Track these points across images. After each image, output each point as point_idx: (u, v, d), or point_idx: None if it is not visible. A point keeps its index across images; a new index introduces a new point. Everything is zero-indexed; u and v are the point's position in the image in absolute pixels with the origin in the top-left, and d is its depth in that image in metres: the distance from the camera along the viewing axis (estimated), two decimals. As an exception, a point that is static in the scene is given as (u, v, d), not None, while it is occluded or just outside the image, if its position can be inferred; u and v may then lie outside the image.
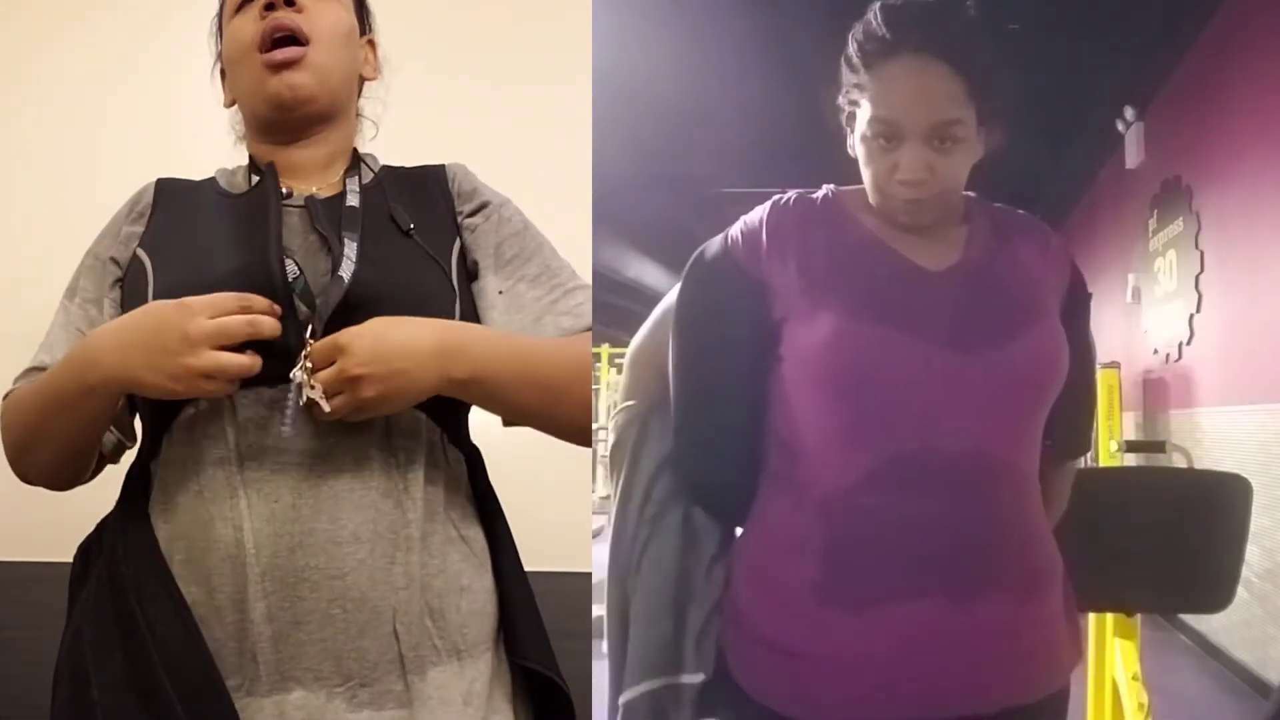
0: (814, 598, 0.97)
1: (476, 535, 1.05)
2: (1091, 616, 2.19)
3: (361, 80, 1.17)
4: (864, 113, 1.00)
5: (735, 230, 1.08)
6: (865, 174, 1.03)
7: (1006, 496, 0.99)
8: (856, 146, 1.03)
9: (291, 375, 0.92)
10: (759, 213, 1.08)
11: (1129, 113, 5.27)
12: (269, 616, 0.90)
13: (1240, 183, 3.91)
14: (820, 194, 1.08)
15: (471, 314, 1.07)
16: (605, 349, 7.39)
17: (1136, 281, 5.38)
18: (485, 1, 2.06)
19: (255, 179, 1.07)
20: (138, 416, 1.06)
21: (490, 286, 1.08)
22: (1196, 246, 4.35)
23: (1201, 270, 4.31)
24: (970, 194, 1.08)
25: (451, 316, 1.02)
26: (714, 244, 1.08)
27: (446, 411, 1.02)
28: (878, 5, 0.99)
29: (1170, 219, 4.76)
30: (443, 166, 1.17)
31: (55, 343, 1.04)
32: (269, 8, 1.04)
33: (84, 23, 2.06)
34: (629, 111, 4.72)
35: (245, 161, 1.11)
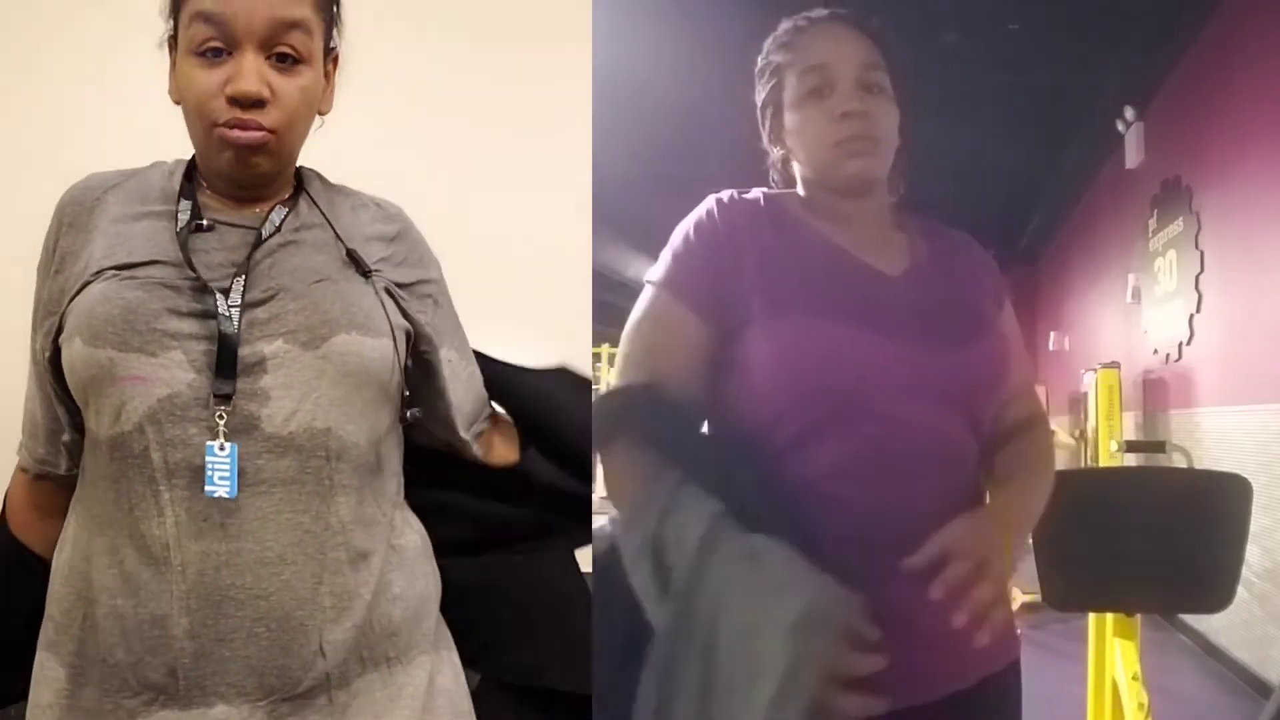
0: None
1: (411, 540, 1.07)
2: (1091, 616, 2.19)
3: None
4: (793, 77, 1.08)
5: (676, 248, 1.09)
6: (802, 142, 1.08)
7: (966, 475, 1.03)
8: (788, 121, 1.10)
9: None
10: (706, 216, 1.09)
11: (1129, 113, 5.27)
12: (192, 633, 0.92)
13: (1240, 183, 3.91)
14: (755, 195, 1.11)
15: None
16: (605, 349, 7.39)
17: (1136, 281, 5.38)
18: (485, 1, 2.06)
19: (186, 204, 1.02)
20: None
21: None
22: (1196, 246, 4.35)
23: (1201, 270, 4.31)
24: (895, 200, 1.14)
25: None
26: (657, 269, 1.09)
27: (386, 441, 1.06)
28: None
29: (1170, 219, 4.76)
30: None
31: (35, 422, 1.05)
32: (234, 102, 0.96)
33: (77, 23, 2.06)
34: (629, 111, 4.72)
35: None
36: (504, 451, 1.17)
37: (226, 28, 0.96)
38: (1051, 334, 7.70)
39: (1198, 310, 4.36)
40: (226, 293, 0.96)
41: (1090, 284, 6.94)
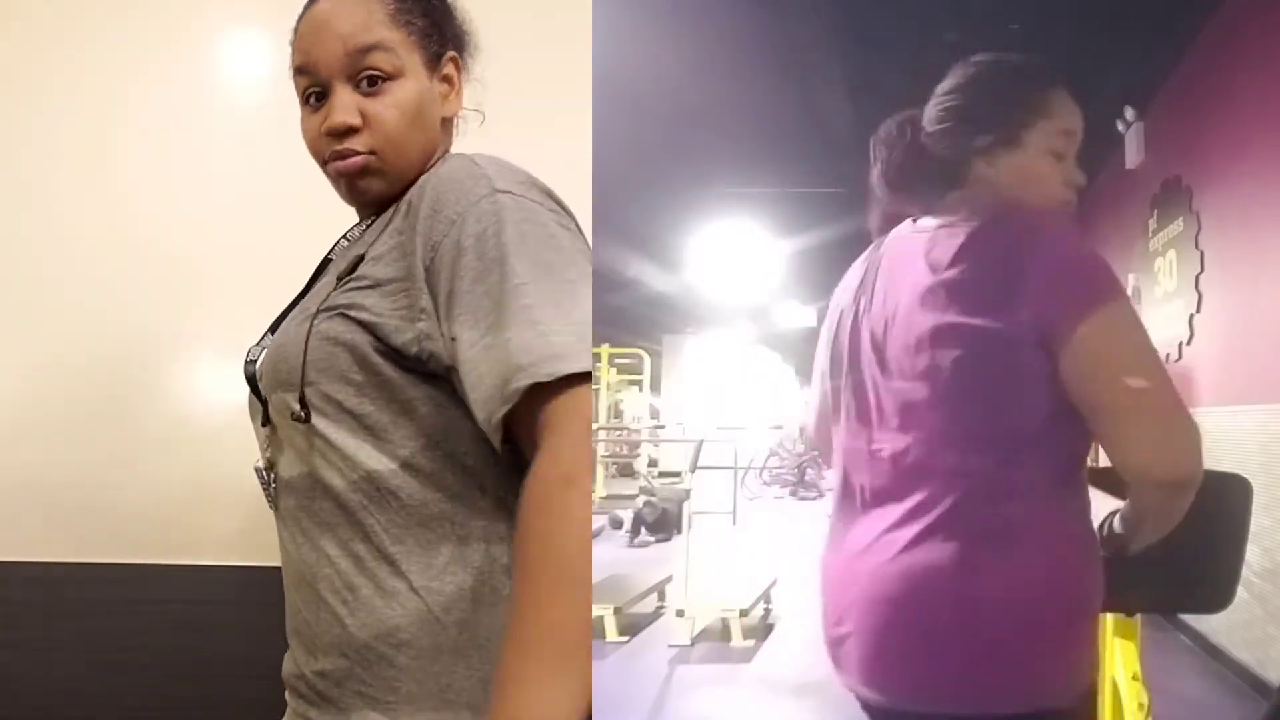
0: None
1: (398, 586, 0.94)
2: (1091, 616, 2.19)
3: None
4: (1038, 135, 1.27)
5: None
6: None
7: None
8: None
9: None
10: None
11: (1129, 113, 5.27)
12: None
13: (1240, 183, 3.91)
14: None
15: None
16: (605, 349, 7.39)
17: (1136, 281, 5.38)
18: (485, 1, 2.05)
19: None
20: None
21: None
22: (1196, 246, 4.35)
23: (1201, 270, 4.31)
24: None
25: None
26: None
27: (372, 491, 0.95)
28: None
29: (1170, 219, 4.76)
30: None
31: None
32: (331, 135, 1.01)
33: (94, 27, 2.06)
34: (629, 111, 4.72)
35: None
36: (547, 463, 0.82)
37: (315, 73, 1.03)
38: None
39: (1198, 310, 4.35)
40: None
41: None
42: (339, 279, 1.00)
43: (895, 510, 1.13)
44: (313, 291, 1.06)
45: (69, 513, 1.93)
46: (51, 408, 1.96)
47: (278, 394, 0.99)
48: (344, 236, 1.11)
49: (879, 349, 1.20)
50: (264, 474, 1.04)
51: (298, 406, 0.95)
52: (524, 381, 0.82)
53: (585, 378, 0.82)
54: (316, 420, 0.95)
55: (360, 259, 0.99)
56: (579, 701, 0.75)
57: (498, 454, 0.89)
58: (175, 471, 1.92)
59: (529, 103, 2.00)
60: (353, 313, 0.95)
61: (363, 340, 0.94)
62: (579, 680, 0.75)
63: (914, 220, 1.26)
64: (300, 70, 1.04)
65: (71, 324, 1.98)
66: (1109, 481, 1.26)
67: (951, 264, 1.11)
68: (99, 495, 1.92)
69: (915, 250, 1.18)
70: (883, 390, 1.18)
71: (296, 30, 1.06)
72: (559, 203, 0.99)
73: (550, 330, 0.84)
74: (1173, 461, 1.02)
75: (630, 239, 7.92)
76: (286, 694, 1.03)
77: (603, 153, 2.08)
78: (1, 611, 1.91)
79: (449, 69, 1.10)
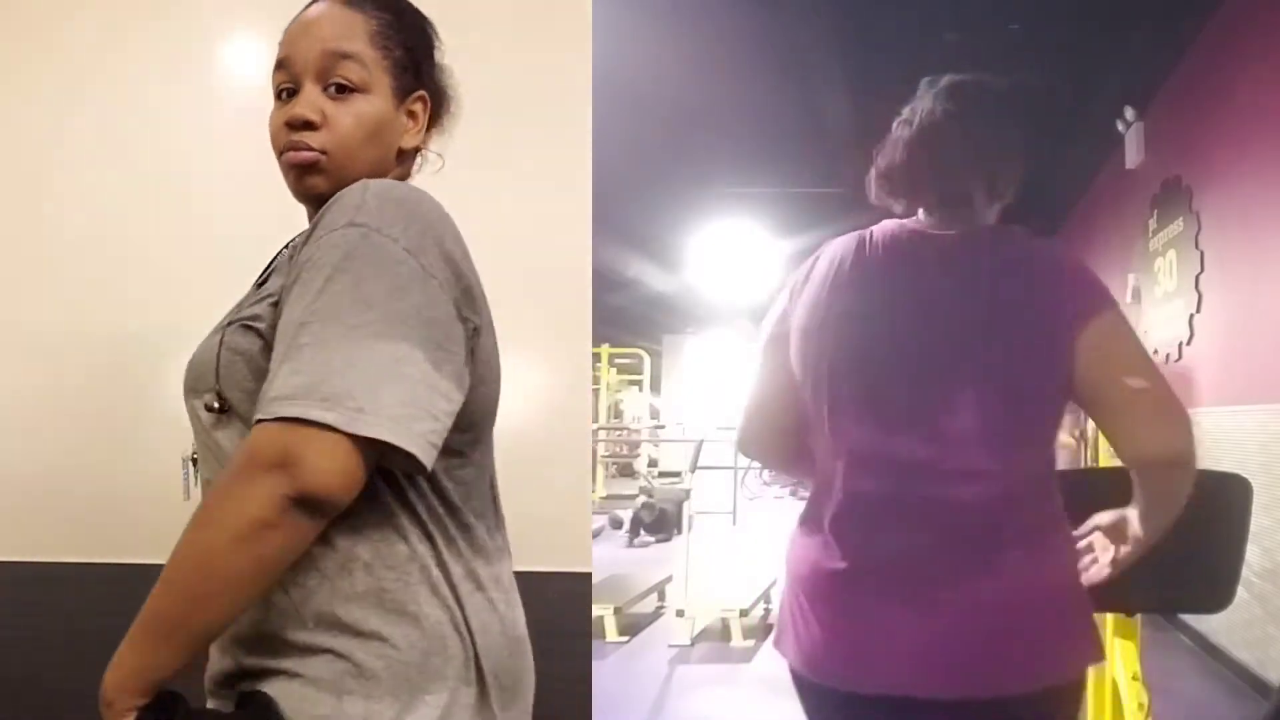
0: None
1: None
2: (1091, 616, 2.19)
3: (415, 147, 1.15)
4: None
5: None
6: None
7: None
8: None
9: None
10: None
11: (1129, 113, 5.28)
12: None
13: (1240, 183, 3.91)
14: None
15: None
16: (605, 349, 7.39)
17: (1136, 281, 5.38)
18: (485, 2, 2.06)
19: None
20: None
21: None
22: (1196, 246, 4.35)
23: (1201, 270, 4.31)
24: None
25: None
26: None
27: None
28: None
29: (1170, 219, 4.76)
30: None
31: None
32: (290, 126, 1.05)
33: (81, 18, 2.06)
34: (629, 111, 4.72)
35: None
36: (214, 487, 0.91)
37: (292, 69, 1.07)
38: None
39: (1198, 310, 4.36)
40: None
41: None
42: (256, 288, 1.07)
43: (907, 509, 1.17)
44: (237, 302, 1.11)
45: (68, 513, 1.93)
46: (51, 408, 1.96)
47: (190, 400, 1.04)
48: (288, 244, 1.14)
49: (879, 347, 1.20)
50: (186, 465, 1.12)
51: (216, 406, 1.00)
52: (258, 414, 0.87)
53: (305, 421, 0.85)
54: (213, 427, 1.01)
55: (272, 270, 1.07)
56: (151, 675, 0.87)
57: None
58: (176, 472, 1.92)
59: (529, 103, 2.00)
60: (253, 323, 1.00)
61: (257, 351, 0.99)
62: (157, 657, 0.87)
63: (909, 219, 1.27)
64: (279, 64, 1.09)
65: (72, 324, 1.98)
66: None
67: (958, 267, 1.19)
68: (98, 495, 1.92)
69: (923, 250, 1.22)
70: (888, 390, 1.19)
71: (287, 29, 1.11)
72: (439, 245, 0.97)
73: (299, 370, 0.87)
74: (1168, 440, 1.15)
75: (630, 239, 7.93)
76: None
77: (603, 153, 2.08)
78: (1, 611, 1.91)
79: (416, 106, 1.13)
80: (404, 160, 1.15)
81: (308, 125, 1.05)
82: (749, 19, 4.27)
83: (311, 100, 1.05)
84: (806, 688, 1.27)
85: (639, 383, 14.36)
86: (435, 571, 0.97)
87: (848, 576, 1.20)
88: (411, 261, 0.92)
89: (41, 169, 2.03)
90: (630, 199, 6.63)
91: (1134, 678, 1.89)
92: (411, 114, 1.13)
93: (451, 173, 2.06)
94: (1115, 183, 5.89)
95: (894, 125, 1.29)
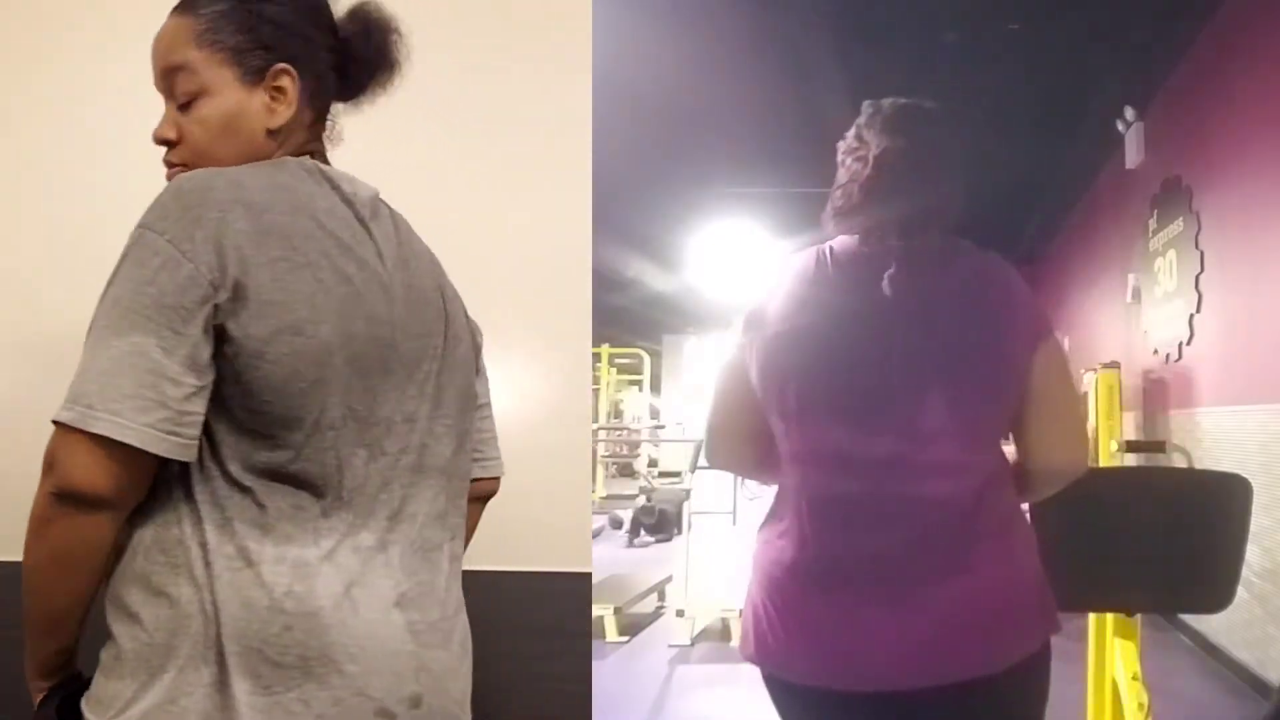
0: None
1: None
2: (1091, 616, 2.19)
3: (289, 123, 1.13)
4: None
5: None
6: None
7: None
8: None
9: None
10: None
11: (1129, 113, 5.27)
12: None
13: (1240, 183, 3.91)
14: None
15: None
16: (605, 349, 7.38)
17: (1136, 281, 5.38)
18: (486, 3, 2.06)
19: None
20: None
21: None
22: (1196, 246, 4.35)
23: (1201, 270, 4.31)
24: None
25: None
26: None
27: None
28: None
29: (1170, 219, 4.76)
30: None
31: None
32: (156, 143, 1.12)
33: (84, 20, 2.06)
34: (629, 111, 4.72)
35: None
36: (37, 496, 1.00)
37: (157, 88, 1.12)
38: (1052, 334, 7.68)
39: (1198, 310, 4.36)
40: None
41: (1090, 284, 6.94)
42: None
43: (879, 507, 1.20)
44: None
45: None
46: (51, 408, 1.96)
47: None
48: None
49: (845, 354, 1.23)
50: None
51: None
52: (55, 416, 0.93)
53: (57, 423, 0.93)
54: None
55: None
56: (44, 660, 1.03)
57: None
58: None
59: (529, 103, 2.00)
60: None
61: None
62: (37, 645, 1.02)
63: (870, 237, 1.28)
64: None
65: (72, 324, 1.98)
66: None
67: (917, 276, 1.24)
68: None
69: (882, 260, 1.25)
70: (855, 393, 1.22)
71: None
72: (211, 228, 0.96)
73: (81, 375, 0.94)
74: (1079, 458, 1.28)
75: (630, 239, 7.93)
76: None
77: (603, 153, 2.08)
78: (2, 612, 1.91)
79: (282, 81, 1.11)
80: (283, 136, 1.13)
81: (166, 143, 1.11)
82: (749, 19, 4.26)
83: (168, 118, 1.11)
84: (779, 688, 1.29)
85: (639, 383, 14.36)
86: (195, 551, 0.97)
87: (817, 575, 1.22)
88: (170, 250, 0.95)
89: (42, 169, 2.03)
90: (630, 199, 6.63)
91: (1134, 678, 1.89)
92: (278, 89, 1.11)
93: (452, 173, 2.07)
94: (1115, 183, 5.89)
95: (840, 154, 1.33)
